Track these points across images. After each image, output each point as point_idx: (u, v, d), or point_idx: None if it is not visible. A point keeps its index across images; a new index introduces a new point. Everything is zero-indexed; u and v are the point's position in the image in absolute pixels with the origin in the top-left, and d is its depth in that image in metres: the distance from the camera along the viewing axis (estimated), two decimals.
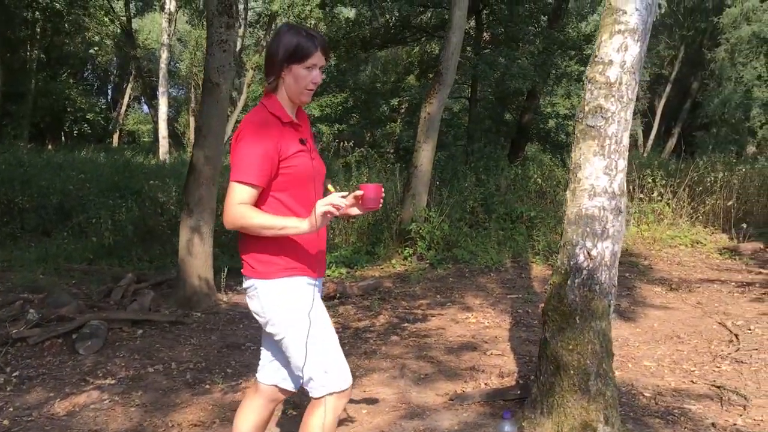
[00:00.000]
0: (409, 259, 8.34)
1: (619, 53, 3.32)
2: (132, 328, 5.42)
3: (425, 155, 8.91)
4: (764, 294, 6.51)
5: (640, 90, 13.80)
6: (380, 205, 2.38)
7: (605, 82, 3.32)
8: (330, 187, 2.32)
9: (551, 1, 14.87)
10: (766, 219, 10.21)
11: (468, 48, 14.93)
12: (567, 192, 3.41)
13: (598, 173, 3.30)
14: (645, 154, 22.53)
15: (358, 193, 2.35)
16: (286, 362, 2.54)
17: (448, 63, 8.65)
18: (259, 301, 2.37)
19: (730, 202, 10.07)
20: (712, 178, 10.81)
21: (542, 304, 3.51)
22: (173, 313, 5.88)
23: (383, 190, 2.39)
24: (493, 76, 13.81)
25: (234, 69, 6.45)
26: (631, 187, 9.94)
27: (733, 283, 7.04)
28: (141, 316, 5.63)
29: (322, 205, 2.20)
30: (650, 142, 30.19)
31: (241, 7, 27.35)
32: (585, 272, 3.23)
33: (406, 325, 5.72)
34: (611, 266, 3.28)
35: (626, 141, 3.38)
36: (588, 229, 3.27)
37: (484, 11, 14.80)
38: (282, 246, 2.34)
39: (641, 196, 10.36)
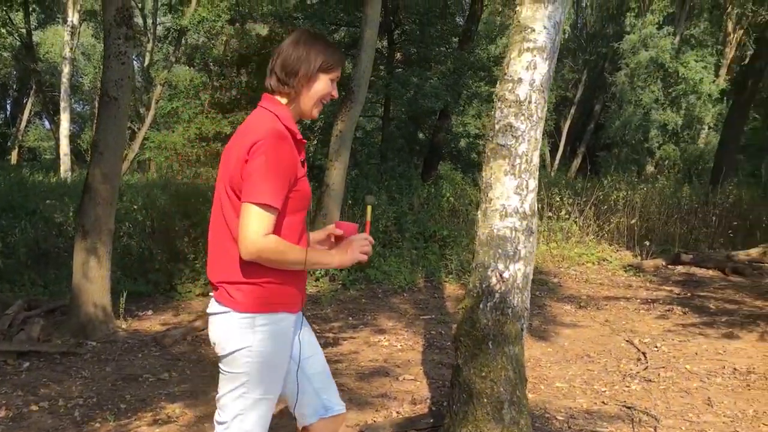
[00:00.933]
0: (320, 280, 8.13)
1: (528, 71, 3.27)
2: (17, 361, 4.98)
3: (337, 174, 8.74)
4: (668, 311, 6.66)
5: (546, 111, 14.15)
6: None
7: (515, 101, 3.26)
8: (369, 208, 2.24)
9: (462, 23, 15.08)
10: (667, 236, 10.58)
11: (381, 67, 14.93)
12: (478, 212, 3.32)
13: (509, 193, 3.22)
14: (552, 174, 23.16)
15: (338, 232, 2.25)
16: (319, 387, 2.34)
17: (360, 81, 8.55)
18: (222, 333, 2.11)
19: (633, 221, 10.38)
20: (616, 197, 11.13)
21: (455, 326, 3.39)
22: (65, 342, 5.45)
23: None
24: (406, 95, 13.83)
25: (132, 82, 6.10)
26: (539, 206, 10.10)
27: (638, 300, 7.19)
28: (28, 347, 5.18)
29: (363, 242, 2.16)
30: (557, 161, 31.13)
31: (149, 21, 26.59)
32: (497, 295, 3.13)
33: None
34: (523, 289, 3.20)
35: (536, 160, 3.32)
36: (500, 251, 3.18)
37: (396, 31, 14.86)
38: (271, 276, 2.08)
39: (549, 214, 10.55)
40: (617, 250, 10.18)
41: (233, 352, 2.08)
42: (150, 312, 6.63)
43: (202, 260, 7.84)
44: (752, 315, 6.39)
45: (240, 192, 2.02)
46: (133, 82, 17.71)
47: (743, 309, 6.64)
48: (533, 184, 3.27)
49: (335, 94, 2.24)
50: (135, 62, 25.95)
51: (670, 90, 26.87)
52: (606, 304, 7.04)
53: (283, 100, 2.18)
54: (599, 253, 9.75)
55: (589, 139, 31.16)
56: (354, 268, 8.32)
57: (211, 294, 2.19)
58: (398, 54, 15.75)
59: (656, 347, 5.39)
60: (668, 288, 7.84)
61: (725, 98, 28.05)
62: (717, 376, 4.66)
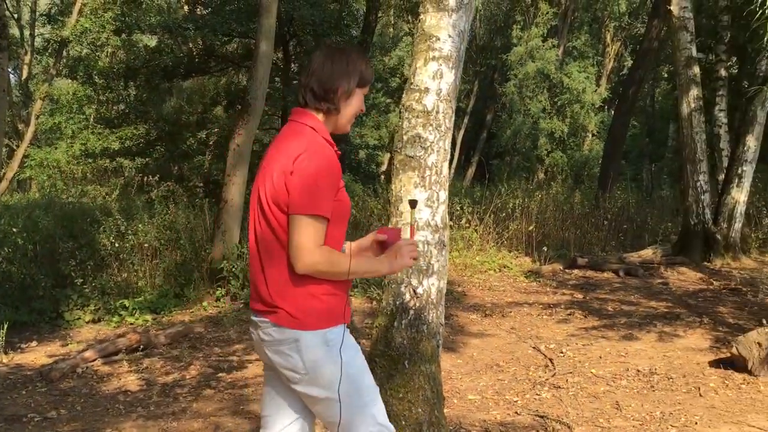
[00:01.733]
0: (221, 300, 7.80)
1: (434, 80, 3.20)
2: None
3: (235, 189, 8.45)
4: (569, 315, 6.80)
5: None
6: None
7: (422, 111, 3.18)
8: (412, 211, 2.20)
9: (357, 35, 15.08)
10: (562, 241, 10.90)
11: (277, 79, 14.69)
12: (389, 226, 3.20)
13: (420, 206, 3.12)
14: (449, 182, 23.50)
15: (382, 237, 2.21)
16: (305, 427, 2.23)
17: (256, 93, 8.31)
18: (300, 357, 2.01)
19: (530, 227, 10.62)
20: (513, 205, 11.38)
21: (370, 346, 3.26)
22: None
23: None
24: None
25: (6, 96, 5.63)
26: None
27: (540, 306, 7.32)
28: None
29: (410, 246, 2.11)
30: (453, 170, 31.73)
31: (26, 32, 25.06)
32: (412, 312, 3.03)
33: (221, 375, 5.23)
34: (438, 304, 3.11)
35: (446, 171, 3.25)
36: (413, 266, 3.07)
37: (292, 42, 14.67)
38: (324, 290, 2.03)
39: (451, 223, 10.65)
40: (517, 257, 10.39)
41: (320, 375, 2.02)
42: (34, 343, 6.12)
43: (92, 284, 7.36)
44: (648, 315, 6.63)
45: (284, 206, 2.00)
46: (9, 96, 16.60)
47: (639, 310, 6.88)
48: (444, 195, 3.19)
49: (363, 108, 2.24)
50: (12, 76, 24.40)
51: (555, 99, 27.96)
52: (510, 311, 7.11)
53: (319, 115, 2.14)
54: (500, 260, 9.91)
55: (483, 148, 32.00)
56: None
57: (257, 319, 2.09)
58: (295, 65, 15.57)
59: (562, 352, 5.47)
60: (568, 292, 8.03)
61: (606, 107, 29.55)
62: (622, 378, 4.75)
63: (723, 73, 12.24)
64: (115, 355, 5.75)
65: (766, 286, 7.58)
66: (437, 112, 3.18)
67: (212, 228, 8.62)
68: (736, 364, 4.67)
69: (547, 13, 28.23)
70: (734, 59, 14.62)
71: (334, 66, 2.12)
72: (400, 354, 2.99)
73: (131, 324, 6.93)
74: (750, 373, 4.54)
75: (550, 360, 5.26)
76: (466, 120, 32.41)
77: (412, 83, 3.25)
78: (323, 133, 2.10)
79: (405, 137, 3.19)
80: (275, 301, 2.02)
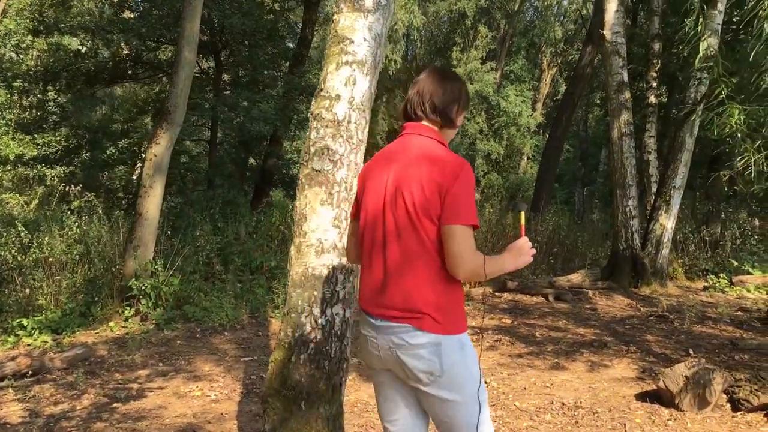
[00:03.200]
0: (130, 320, 7.26)
1: (347, 87, 2.88)
2: None
3: (152, 201, 7.93)
4: (497, 341, 6.56)
5: (379, 139, 14.09)
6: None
7: (332, 120, 2.86)
8: (522, 214, 2.16)
9: (292, 47, 14.73)
10: None
11: (207, 89, 14.19)
12: (291, 248, 2.86)
13: (326, 226, 2.80)
14: None
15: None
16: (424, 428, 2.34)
17: (177, 101, 7.86)
18: (439, 360, 2.10)
19: None
20: None
21: (265, 383, 2.89)
22: None
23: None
24: (235, 119, 13.20)
25: None
26: None
27: (468, 331, 7.05)
28: None
29: (527, 244, 2.21)
30: None
31: None
32: (312, 346, 2.68)
33: (116, 405, 4.74)
34: (343, 336, 2.77)
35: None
36: (316, 293, 2.74)
37: (224, 52, 14.21)
38: (459, 296, 2.19)
39: None
40: None
41: (454, 376, 2.12)
42: None
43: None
44: (576, 343, 6.44)
45: (435, 217, 2.08)
46: None
47: (567, 337, 6.70)
48: None
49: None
50: None
51: (493, 122, 28.21)
52: None
53: (435, 128, 2.27)
54: None
55: None
56: (171, 306, 7.55)
57: (385, 323, 2.16)
58: (226, 76, 15.10)
59: (486, 383, 5.19)
60: (496, 316, 7.82)
61: (541, 130, 29.99)
62: (546, 412, 4.50)
63: (653, 100, 12.40)
64: (1, 381, 5.20)
65: (692, 314, 7.53)
66: (348, 122, 2.87)
67: (125, 242, 8.07)
68: (662, 397, 4.48)
69: (486, 36, 28.54)
70: (664, 87, 14.93)
71: (452, 86, 2.28)
72: (297, 394, 2.63)
73: (28, 345, 6.35)
74: (677, 407, 4.35)
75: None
76: None
77: (322, 89, 2.93)
78: (447, 147, 2.24)
79: (312, 149, 2.87)
80: (419, 307, 2.10)
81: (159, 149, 7.87)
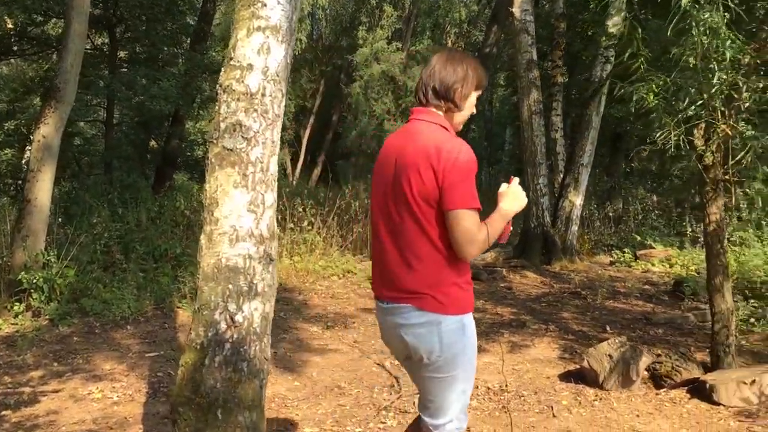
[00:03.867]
0: (21, 317, 6.66)
1: (260, 56, 2.58)
2: None
3: (42, 186, 7.28)
4: None
5: (287, 120, 13.68)
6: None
7: (245, 93, 2.55)
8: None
9: (192, 23, 14.03)
10: None
11: (102, 66, 13.31)
12: (201, 237, 2.54)
13: (240, 211, 2.50)
14: (294, 183, 22.88)
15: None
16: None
17: (67, 77, 7.22)
18: (439, 340, 2.19)
19: None
20: (357, 206, 10.96)
21: (174, 391, 2.57)
22: None
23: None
24: (134, 98, 12.44)
25: None
26: (280, 217, 9.51)
27: None
28: None
29: (517, 188, 2.32)
30: (298, 170, 31.07)
31: None
32: (228, 346, 2.39)
33: (5, 413, 4.27)
34: (263, 334, 2.49)
35: (274, 168, 2.64)
36: (231, 287, 2.44)
37: (119, 27, 13.35)
38: (464, 278, 2.24)
39: (292, 225, 10.01)
40: (361, 261, 9.95)
41: (451, 356, 2.21)
42: None
43: None
44: (495, 323, 6.38)
45: (434, 202, 2.14)
46: None
47: (486, 317, 6.63)
48: (271, 198, 2.58)
49: (475, 109, 2.38)
50: None
51: (400, 102, 28.14)
52: (354, 322, 6.62)
53: (440, 113, 2.29)
54: (344, 264, 9.42)
55: (328, 149, 31.58)
56: (66, 299, 6.98)
57: (392, 305, 2.27)
58: (122, 53, 14.24)
59: None
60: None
61: None
62: (472, 398, 4.37)
63: (559, 79, 12.56)
64: None
65: (604, 290, 7.64)
66: (263, 95, 2.57)
67: (11, 231, 7.40)
68: (587, 377, 4.44)
69: (392, 16, 28.37)
70: (565, 68, 15.20)
71: (456, 68, 2.28)
72: (212, 401, 2.33)
73: None
74: (601, 387, 4.32)
75: (396, 379, 4.80)
76: (312, 120, 31.86)
77: (232, 59, 2.61)
78: (452, 131, 2.27)
79: (223, 125, 2.55)
80: (422, 289, 2.18)
81: (48, 130, 7.23)
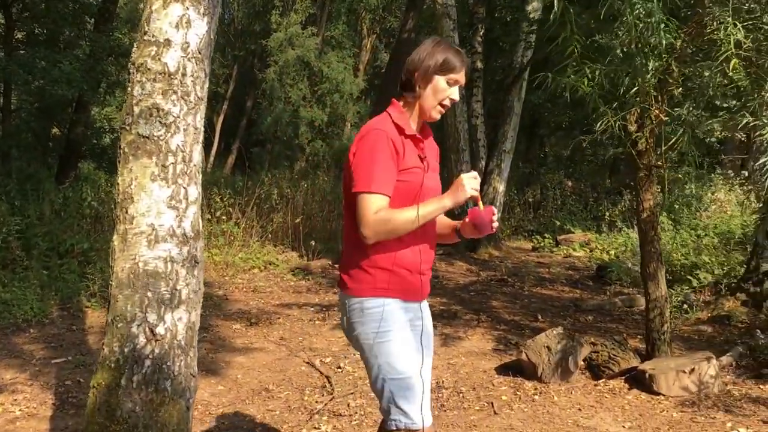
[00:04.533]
0: None
1: (179, 31, 2.27)
2: None
3: None
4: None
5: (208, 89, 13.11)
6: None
7: (162, 72, 2.24)
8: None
9: (98, 1, 13.19)
10: (330, 234, 10.35)
11: None
12: (114, 237, 2.21)
13: (159, 207, 2.19)
14: (209, 171, 22.15)
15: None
16: None
17: None
18: (345, 319, 2.29)
19: (297, 220, 9.91)
20: (278, 195, 10.60)
21: (84, 417, 2.24)
22: None
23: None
24: (33, 83, 11.57)
25: None
26: None
27: (311, 309, 6.62)
28: None
29: (472, 180, 2.15)
30: (212, 158, 30.18)
31: None
32: (148, 363, 2.09)
33: None
34: (189, 346, 2.20)
35: (198, 158, 2.33)
36: (150, 294, 2.14)
37: (15, 6, 12.39)
38: (375, 261, 2.19)
39: (209, 216, 9.56)
40: (283, 252, 9.63)
41: (354, 338, 2.26)
42: None
43: None
44: None
45: (348, 187, 2.18)
46: None
47: None
48: (195, 192, 2.28)
49: (456, 97, 2.26)
50: None
51: (316, 88, 27.80)
52: (279, 317, 6.32)
53: (400, 102, 2.28)
54: (265, 256, 9.07)
55: (243, 135, 30.79)
56: None
57: None
58: (19, 34, 13.25)
59: (339, 368, 4.79)
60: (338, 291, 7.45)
61: (363, 97, 30.03)
62: None
63: (479, 65, 12.53)
64: None
65: (531, 277, 7.63)
66: (184, 75, 2.26)
67: None
68: (525, 369, 4.33)
69: (306, 0, 27.83)
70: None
71: (417, 53, 2.24)
72: (131, 427, 2.02)
73: None
74: (540, 380, 4.21)
75: (327, 378, 4.55)
76: (225, 106, 30.94)
77: (146, 33, 2.28)
78: (396, 118, 2.21)
79: (137, 109, 2.22)
80: (341, 270, 2.29)
81: None
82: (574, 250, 9.96)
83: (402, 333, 2.22)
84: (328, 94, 27.24)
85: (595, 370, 4.26)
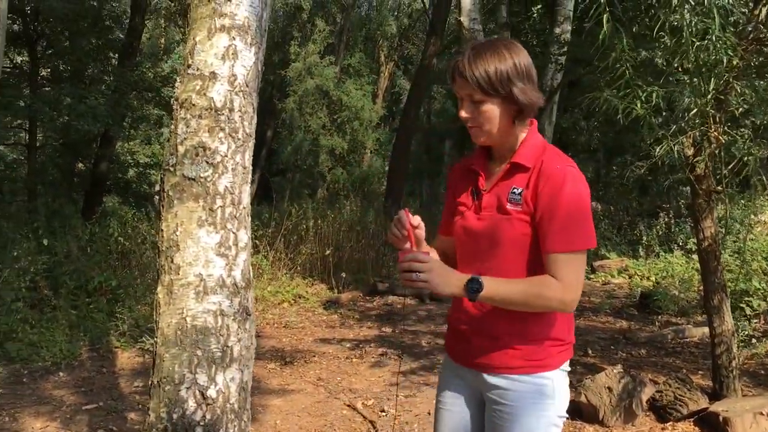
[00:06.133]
0: None
1: (225, 62, 2.08)
2: None
3: None
4: (382, 355, 5.94)
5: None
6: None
7: (208, 107, 2.05)
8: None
9: (121, 37, 13.26)
10: (359, 266, 10.14)
11: (22, 86, 12.41)
12: (158, 290, 2.01)
13: (208, 255, 1.99)
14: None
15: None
16: None
17: None
18: None
19: (328, 252, 9.70)
20: (306, 226, 10.43)
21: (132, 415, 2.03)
22: None
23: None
24: (59, 119, 11.60)
25: None
26: None
27: (347, 345, 6.39)
28: None
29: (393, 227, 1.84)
30: None
31: None
32: (200, 431, 1.86)
33: None
34: (242, 410, 1.98)
35: (247, 200, 2.14)
36: (199, 353, 1.92)
37: (41, 43, 12.48)
38: None
39: None
40: (312, 284, 9.43)
41: None
42: None
43: None
44: None
45: None
46: None
47: None
48: (245, 237, 2.08)
49: (462, 114, 1.81)
50: None
51: (335, 116, 27.90)
52: (314, 355, 6.09)
53: None
54: (294, 289, 8.87)
55: (264, 165, 30.87)
56: None
57: None
58: (44, 71, 13.35)
59: (383, 411, 4.54)
60: (373, 325, 7.21)
61: (383, 124, 30.02)
62: None
63: None
64: None
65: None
66: (231, 110, 2.07)
67: None
68: (584, 412, 4.05)
69: (324, 30, 27.99)
70: None
71: None
72: None
73: None
74: (601, 423, 3.93)
75: (372, 423, 4.31)
76: None
77: (189, 66, 2.10)
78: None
79: (181, 148, 2.03)
80: None
81: None
82: (613, 276, 9.64)
83: (439, 394, 1.99)
84: (348, 122, 27.30)
85: (661, 411, 3.97)
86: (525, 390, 1.76)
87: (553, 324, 1.80)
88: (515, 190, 1.78)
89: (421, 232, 1.85)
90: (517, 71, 1.75)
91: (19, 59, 13.36)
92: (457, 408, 1.92)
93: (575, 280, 1.70)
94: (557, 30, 9.38)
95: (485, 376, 1.81)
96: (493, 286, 1.69)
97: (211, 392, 1.91)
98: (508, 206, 1.78)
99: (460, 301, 1.85)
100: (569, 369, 1.88)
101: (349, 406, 4.70)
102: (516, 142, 1.84)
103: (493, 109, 1.77)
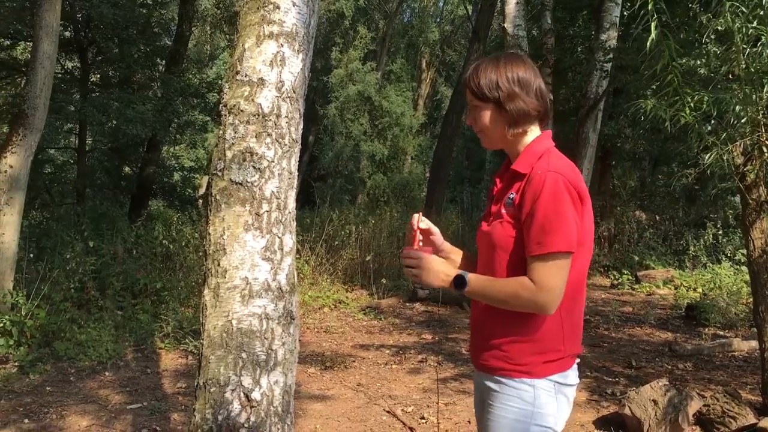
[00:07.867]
0: None
1: (273, 69, 2.11)
2: None
3: (9, 221, 6.72)
4: (421, 362, 5.92)
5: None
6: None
7: (256, 113, 2.07)
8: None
9: (169, 44, 13.53)
10: (399, 272, 10.14)
11: (73, 90, 12.75)
12: (205, 292, 2.04)
13: (254, 259, 2.01)
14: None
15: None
16: None
17: (36, 102, 6.69)
18: None
19: (368, 257, 9.73)
20: (347, 231, 10.48)
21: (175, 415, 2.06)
22: None
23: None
24: (107, 123, 11.88)
25: None
26: None
27: (387, 351, 6.38)
28: None
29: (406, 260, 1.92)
30: None
31: None
32: None
33: None
34: (285, 413, 2.00)
35: (293, 205, 2.16)
36: (245, 355, 1.95)
37: (91, 49, 12.81)
38: None
39: None
40: (352, 290, 9.47)
41: None
42: None
43: None
44: None
45: None
46: None
47: None
48: (290, 242, 2.10)
49: (469, 122, 1.95)
50: None
51: (376, 122, 27.98)
52: (354, 361, 6.10)
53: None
54: (335, 294, 8.92)
55: (305, 170, 31.14)
56: (37, 343, 6.38)
57: None
58: (94, 76, 13.69)
59: (423, 418, 4.53)
60: (413, 331, 7.19)
61: (423, 130, 30.02)
62: None
63: (550, 96, 12.24)
64: None
65: (615, 317, 7.21)
66: (278, 116, 2.09)
67: None
68: (627, 424, 3.98)
69: (366, 37, 28.15)
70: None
71: None
72: None
73: None
74: None
75: (411, 430, 4.29)
76: None
77: (238, 72, 2.13)
78: None
79: (229, 153, 2.06)
80: None
81: (15, 159, 6.68)
82: (658, 287, 9.46)
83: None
84: (389, 128, 27.35)
85: (708, 426, 3.88)
86: (506, 393, 1.79)
87: (543, 331, 1.78)
88: (510, 196, 1.84)
89: (434, 234, 2.05)
90: (507, 79, 1.83)
91: (70, 65, 13.73)
92: (475, 408, 2.01)
93: (549, 283, 1.70)
94: (603, 36, 9.27)
95: (480, 375, 1.90)
96: (476, 283, 1.78)
97: (256, 395, 1.93)
98: (503, 211, 1.85)
99: (474, 303, 1.92)
100: (573, 383, 1.82)
101: (388, 412, 4.69)
102: (522, 149, 1.89)
103: (487, 115, 1.86)
